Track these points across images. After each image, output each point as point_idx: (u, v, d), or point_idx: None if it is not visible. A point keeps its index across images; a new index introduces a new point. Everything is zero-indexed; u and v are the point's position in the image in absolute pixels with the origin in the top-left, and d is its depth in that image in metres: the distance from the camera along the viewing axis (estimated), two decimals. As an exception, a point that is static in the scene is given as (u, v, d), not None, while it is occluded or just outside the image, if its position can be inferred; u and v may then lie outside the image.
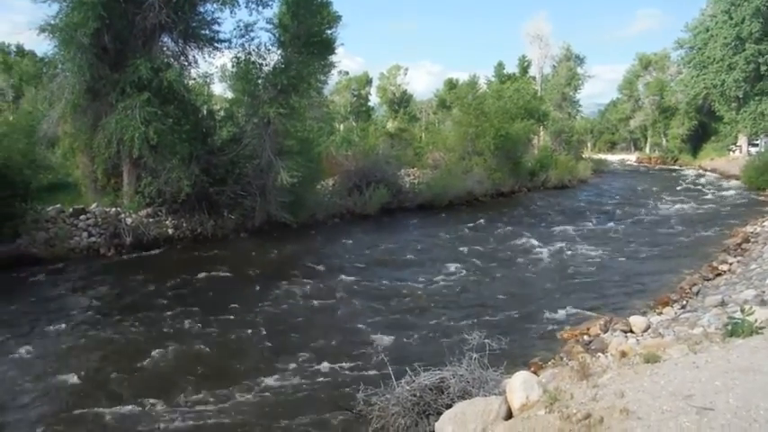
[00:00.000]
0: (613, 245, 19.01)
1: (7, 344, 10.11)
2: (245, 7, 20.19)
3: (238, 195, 19.93)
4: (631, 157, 67.83)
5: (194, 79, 20.96)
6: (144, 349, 9.75)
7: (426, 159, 34.38)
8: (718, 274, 14.26)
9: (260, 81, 20.68)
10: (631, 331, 9.88)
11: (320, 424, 7.39)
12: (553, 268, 15.99)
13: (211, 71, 21.36)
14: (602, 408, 4.76)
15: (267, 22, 20.82)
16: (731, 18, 40.70)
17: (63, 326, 10.98)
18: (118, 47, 18.22)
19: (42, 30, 17.37)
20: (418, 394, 6.75)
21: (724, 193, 34.62)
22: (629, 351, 7.34)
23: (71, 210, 17.75)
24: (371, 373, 8.06)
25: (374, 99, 66.09)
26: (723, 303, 10.51)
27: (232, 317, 11.58)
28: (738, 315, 6.64)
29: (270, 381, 8.61)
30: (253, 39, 20.64)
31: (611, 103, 78.36)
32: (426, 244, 19.18)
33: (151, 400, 7.90)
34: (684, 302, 11.90)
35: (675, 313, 10.96)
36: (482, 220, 23.61)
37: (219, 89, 24.48)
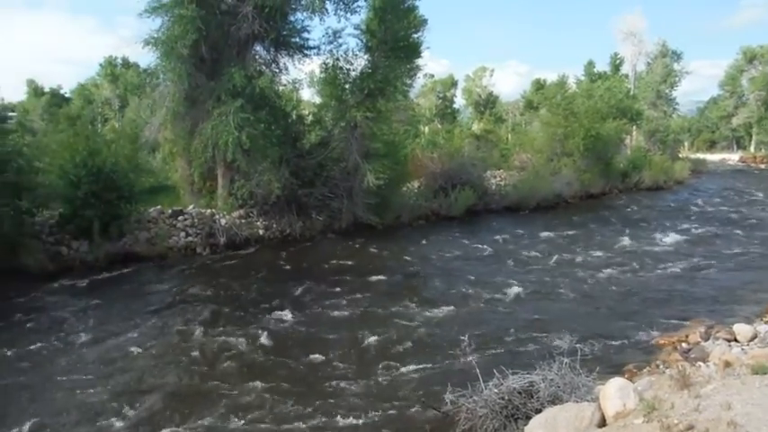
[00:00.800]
0: (713, 249, 18.02)
1: (122, 332, 10.94)
2: (334, 15, 20.61)
3: (326, 197, 20.43)
4: (733, 157, 63.73)
5: (284, 85, 21.59)
6: (234, 342, 10.25)
7: (513, 161, 33.85)
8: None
9: (347, 86, 21.14)
10: (735, 340, 9.35)
11: (407, 422, 7.47)
12: (646, 272, 15.33)
13: (300, 77, 22.06)
14: (706, 419, 4.51)
15: (355, 28, 21.23)
16: None
17: (167, 319, 11.70)
18: (214, 56, 19.09)
19: (147, 43, 18.48)
20: (507, 397, 6.67)
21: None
22: (735, 361, 6.96)
23: (170, 211, 18.75)
24: (458, 373, 8.02)
25: (459, 101, 65.78)
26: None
27: (320, 315, 11.89)
28: None
29: (356, 378, 8.78)
30: (341, 45, 21.14)
31: (711, 101, 74.12)
32: (513, 246, 18.88)
33: (246, 385, 8.27)
34: (795, 311, 11.14)
35: (785, 322, 10.28)
36: (571, 223, 22.98)
37: (308, 94, 25.17)
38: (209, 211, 19.16)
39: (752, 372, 5.60)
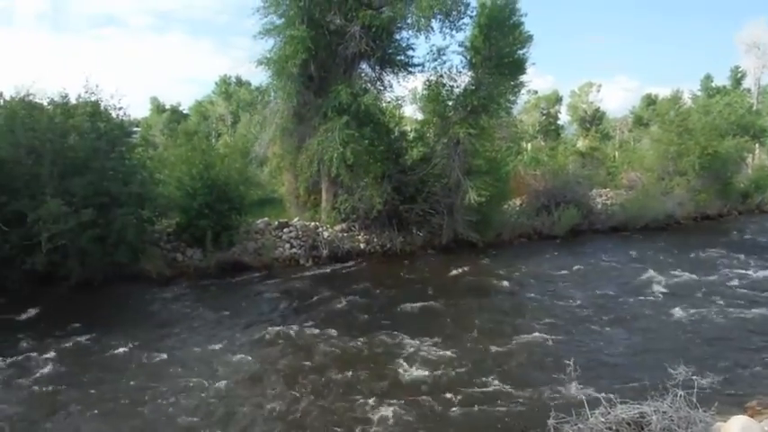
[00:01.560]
0: None
1: (231, 335, 11.58)
2: (439, 32, 20.74)
3: (427, 213, 20.51)
4: None
5: (388, 102, 21.98)
6: (340, 353, 10.53)
7: (620, 179, 32.54)
8: None
9: (450, 102, 21.23)
10: None
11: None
12: (770, 301, 14.19)
13: (403, 94, 22.32)
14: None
15: (459, 45, 21.24)
16: None
17: (275, 326, 12.14)
18: (322, 75, 19.77)
19: (260, 62, 19.49)
20: (614, 428, 6.34)
21: None
22: None
23: (276, 223, 19.51)
24: (562, 398, 7.78)
25: (564, 117, 64.09)
26: None
27: (420, 332, 11.84)
28: None
29: (454, 395, 8.71)
30: (445, 62, 21.27)
31: None
32: (620, 268, 18.08)
33: (354, 397, 8.42)
34: None
35: None
36: (684, 246, 21.68)
37: (410, 111, 25.42)
38: (312, 223, 19.76)
39: None
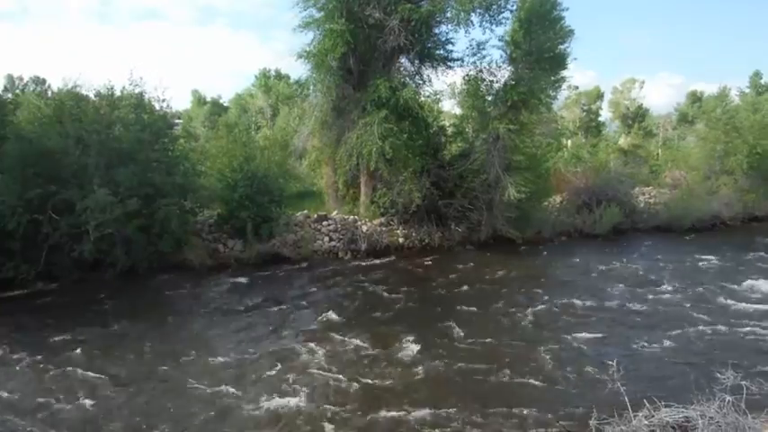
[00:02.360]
0: None
1: (272, 322, 11.90)
2: (479, 26, 20.59)
3: (465, 209, 20.39)
4: None
5: (427, 96, 21.83)
6: (383, 350, 10.65)
7: (664, 178, 31.75)
8: None
9: (489, 97, 21.04)
10: None
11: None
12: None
13: (442, 89, 22.19)
14: None
15: (499, 40, 21.02)
16: None
17: (316, 317, 12.47)
18: (361, 68, 19.81)
19: (299, 56, 19.60)
20: (658, 431, 6.24)
21: None
22: None
23: (315, 216, 19.65)
24: (604, 399, 7.62)
25: (605, 114, 62.83)
26: None
27: (455, 328, 11.83)
28: None
29: (498, 394, 8.72)
30: (484, 56, 21.07)
31: None
32: (665, 268, 17.62)
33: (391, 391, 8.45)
34: None
35: None
36: (731, 247, 21.03)
37: (448, 105, 25.27)
38: (351, 217, 19.84)
39: None
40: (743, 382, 6.59)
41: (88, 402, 8.32)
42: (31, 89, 39.70)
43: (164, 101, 17.61)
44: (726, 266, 17.84)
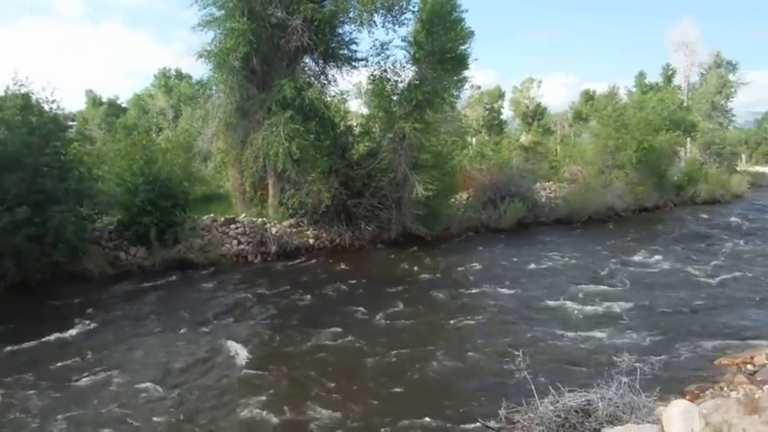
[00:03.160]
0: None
1: (177, 333, 11.28)
2: (382, 27, 20.73)
3: (375, 208, 20.51)
4: (796, 170, 61.06)
5: (333, 96, 21.73)
6: (292, 350, 10.41)
7: (563, 173, 33.36)
8: None
9: (395, 97, 21.24)
10: (805, 363, 8.93)
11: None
12: (706, 290, 14.73)
13: (348, 88, 22.21)
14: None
15: (402, 40, 21.25)
16: None
17: (224, 324, 11.97)
18: (264, 69, 19.52)
19: (200, 55, 19.02)
20: (563, 415, 6.52)
21: None
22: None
23: (222, 219, 19.14)
24: (512, 388, 7.89)
25: (507, 112, 65.08)
26: None
27: (371, 325, 11.91)
28: None
29: (404, 389, 8.78)
30: (388, 56, 21.20)
31: (770, 112, 71.52)
32: (565, 260, 18.51)
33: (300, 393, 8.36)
34: None
35: None
36: (625, 237, 22.43)
37: (355, 105, 25.33)
38: (260, 219, 19.49)
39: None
40: (636, 364, 7.03)
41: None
42: None
43: (53, 102, 16.58)
44: (622, 253, 19.00)
